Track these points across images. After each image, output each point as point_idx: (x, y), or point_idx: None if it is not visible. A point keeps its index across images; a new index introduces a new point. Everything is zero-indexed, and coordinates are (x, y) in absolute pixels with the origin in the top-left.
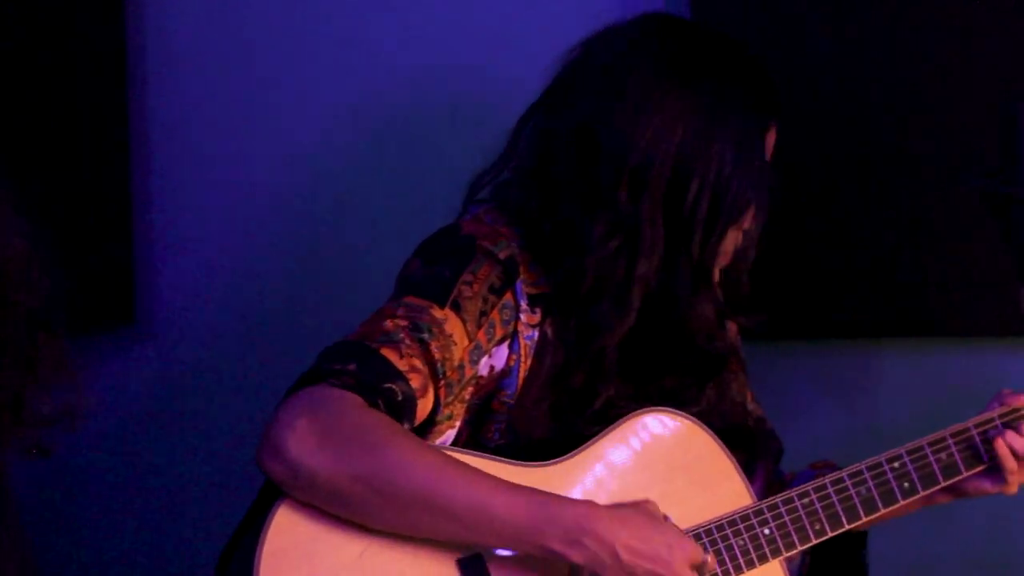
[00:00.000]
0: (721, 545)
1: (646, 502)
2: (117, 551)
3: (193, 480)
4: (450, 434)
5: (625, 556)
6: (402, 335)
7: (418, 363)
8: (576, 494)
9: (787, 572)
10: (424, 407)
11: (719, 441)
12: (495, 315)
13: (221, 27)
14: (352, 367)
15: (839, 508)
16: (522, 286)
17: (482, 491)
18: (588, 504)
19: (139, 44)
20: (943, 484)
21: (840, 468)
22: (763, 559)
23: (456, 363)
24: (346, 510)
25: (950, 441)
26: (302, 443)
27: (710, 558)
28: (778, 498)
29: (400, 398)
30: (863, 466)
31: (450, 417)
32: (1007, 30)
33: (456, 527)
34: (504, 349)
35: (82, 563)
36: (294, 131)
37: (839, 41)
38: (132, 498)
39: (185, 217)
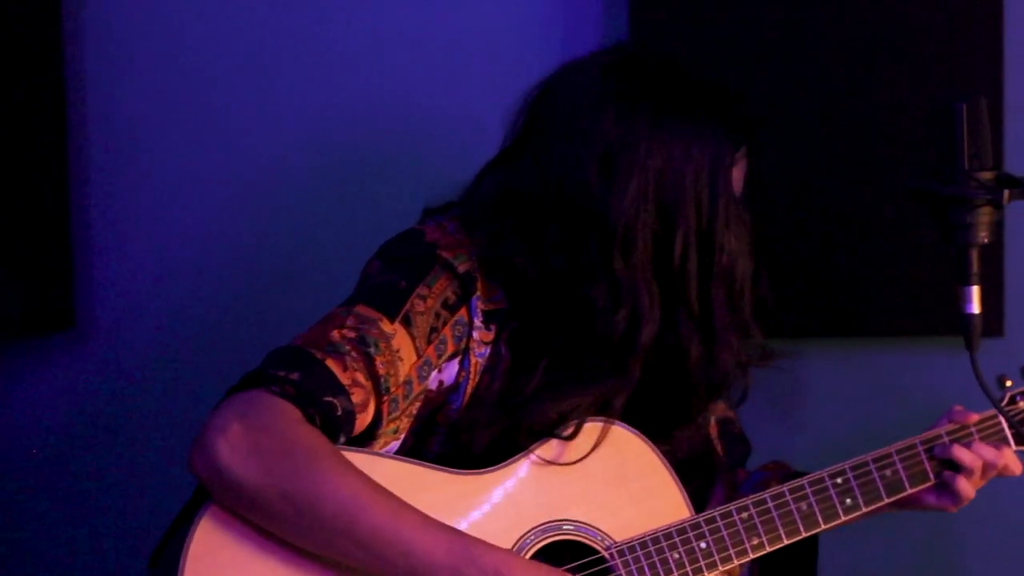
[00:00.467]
0: (656, 559)
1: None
2: (55, 553)
3: (133, 484)
4: (394, 445)
5: None
6: (348, 347)
7: (361, 377)
8: (511, 502)
9: None
10: (363, 421)
11: (659, 453)
12: (447, 331)
13: (161, 27)
14: (295, 376)
15: (779, 524)
16: (477, 302)
17: (403, 526)
18: (507, 552)
19: (77, 45)
20: (887, 501)
21: (789, 468)
22: (698, 572)
23: (402, 379)
24: (267, 523)
25: (895, 458)
26: (232, 449)
27: None
28: (716, 511)
29: (339, 412)
30: (804, 481)
31: (396, 431)
32: (944, 31)
33: (372, 559)
34: (455, 365)
35: (19, 563)
36: (235, 133)
37: (774, 43)
38: (72, 503)
39: (125, 220)
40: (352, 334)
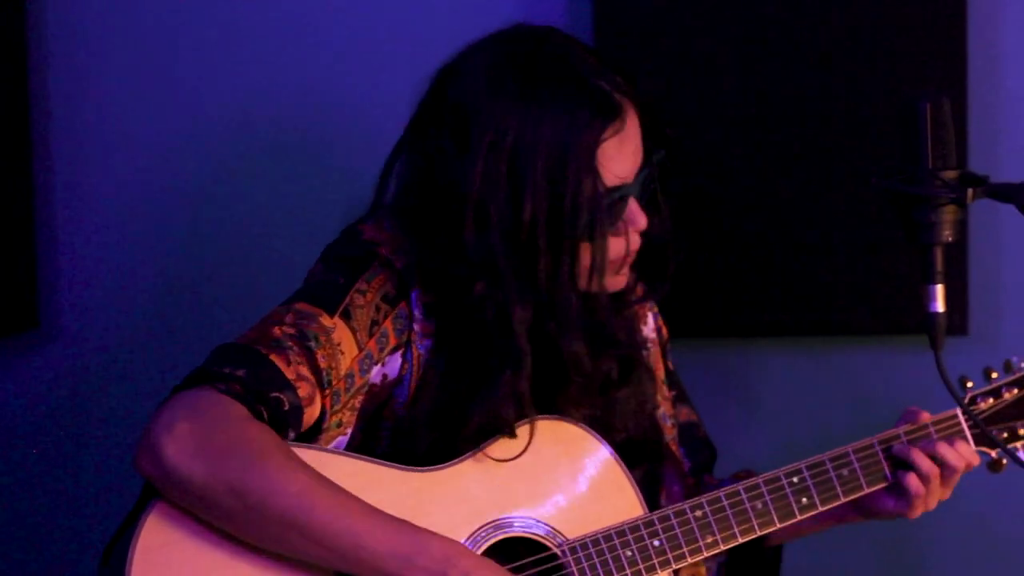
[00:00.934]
0: (608, 556)
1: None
2: (19, 551)
3: (98, 482)
4: (342, 440)
5: None
6: (290, 343)
7: (305, 371)
8: (462, 499)
9: None
10: (311, 415)
11: (612, 451)
12: (388, 324)
13: (126, 25)
14: (241, 373)
15: (733, 522)
16: (418, 295)
17: (353, 519)
18: (455, 542)
19: (41, 44)
20: (843, 500)
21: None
22: (651, 570)
23: (343, 372)
24: (216, 519)
25: (853, 458)
26: (179, 446)
27: None
28: (669, 510)
29: (287, 407)
30: (760, 480)
31: (340, 424)
32: (908, 29)
33: (324, 552)
34: (397, 358)
35: None
36: (199, 132)
37: (741, 40)
38: (36, 501)
39: (89, 220)
40: (292, 330)
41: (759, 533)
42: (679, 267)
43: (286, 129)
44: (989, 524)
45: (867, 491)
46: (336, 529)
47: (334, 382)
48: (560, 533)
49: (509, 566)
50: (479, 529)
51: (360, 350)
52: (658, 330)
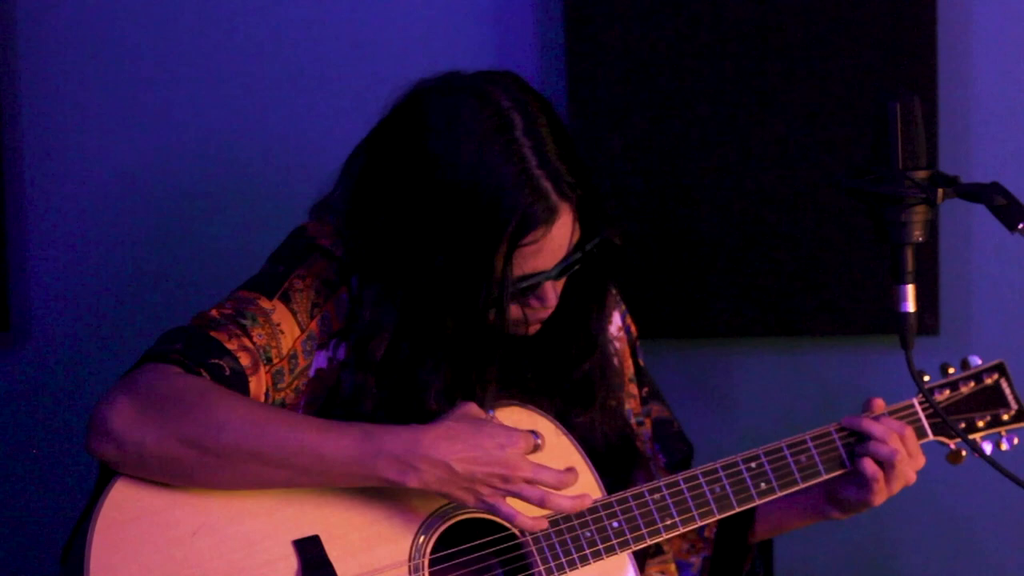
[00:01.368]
0: (567, 536)
1: (466, 406)
2: None
3: (68, 485)
4: None
5: (461, 468)
6: (227, 322)
7: (247, 343)
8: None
9: (635, 567)
10: (257, 387)
11: (569, 434)
12: (330, 308)
13: (95, 26)
14: (178, 346)
15: (692, 505)
16: (358, 282)
17: (310, 434)
18: (414, 428)
19: (9, 44)
20: (803, 485)
21: None
22: (611, 551)
23: (285, 352)
24: (180, 476)
25: (810, 444)
26: (124, 417)
27: (540, 440)
28: (628, 492)
29: (228, 372)
30: (718, 464)
31: (283, 405)
32: (878, 29)
33: (289, 473)
34: (343, 343)
35: None
36: (167, 133)
37: (709, 39)
38: (6, 504)
39: (59, 223)
40: (230, 311)
41: (718, 516)
42: (643, 268)
43: (258, 133)
44: (961, 523)
45: (826, 477)
46: (292, 447)
47: (275, 360)
48: (519, 514)
49: (466, 545)
50: (437, 511)
51: (302, 331)
52: (626, 328)
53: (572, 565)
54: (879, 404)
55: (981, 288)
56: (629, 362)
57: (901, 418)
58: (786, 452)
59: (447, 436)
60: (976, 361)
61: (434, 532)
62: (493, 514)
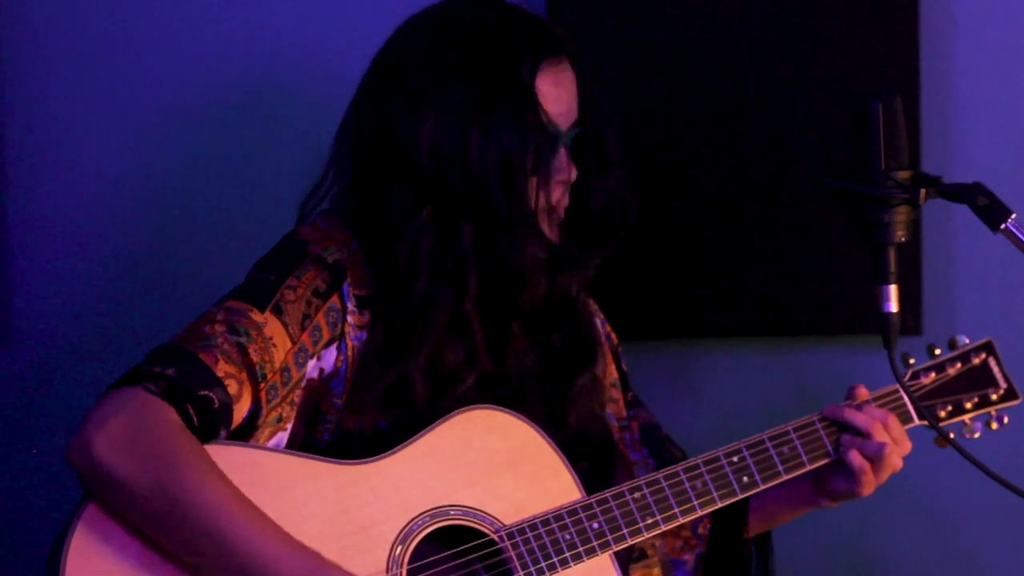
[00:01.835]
0: (547, 539)
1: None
2: None
3: (52, 486)
4: (282, 436)
5: None
6: (220, 340)
7: (234, 369)
8: (397, 490)
9: (617, 568)
10: (240, 411)
11: (547, 437)
12: (320, 318)
13: (74, 28)
14: (171, 372)
15: (673, 502)
16: (349, 288)
17: (266, 542)
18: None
19: None
20: (786, 477)
21: None
22: (591, 552)
23: (278, 365)
24: (138, 519)
25: (793, 435)
26: (109, 442)
27: None
28: (607, 493)
29: (216, 405)
30: (699, 460)
31: (280, 420)
32: (861, 30)
33: (233, 567)
34: (332, 351)
35: None
36: (152, 134)
37: (691, 38)
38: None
39: (43, 222)
40: (222, 327)
41: (700, 513)
42: (627, 269)
43: (240, 131)
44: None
45: (810, 467)
46: (249, 549)
47: (269, 375)
48: (497, 520)
49: (447, 553)
50: (415, 518)
51: (293, 343)
52: (607, 336)
53: (552, 569)
54: (863, 392)
55: (963, 288)
56: (612, 367)
57: (885, 404)
58: (768, 444)
59: None
60: (964, 340)
61: (411, 542)
62: None
